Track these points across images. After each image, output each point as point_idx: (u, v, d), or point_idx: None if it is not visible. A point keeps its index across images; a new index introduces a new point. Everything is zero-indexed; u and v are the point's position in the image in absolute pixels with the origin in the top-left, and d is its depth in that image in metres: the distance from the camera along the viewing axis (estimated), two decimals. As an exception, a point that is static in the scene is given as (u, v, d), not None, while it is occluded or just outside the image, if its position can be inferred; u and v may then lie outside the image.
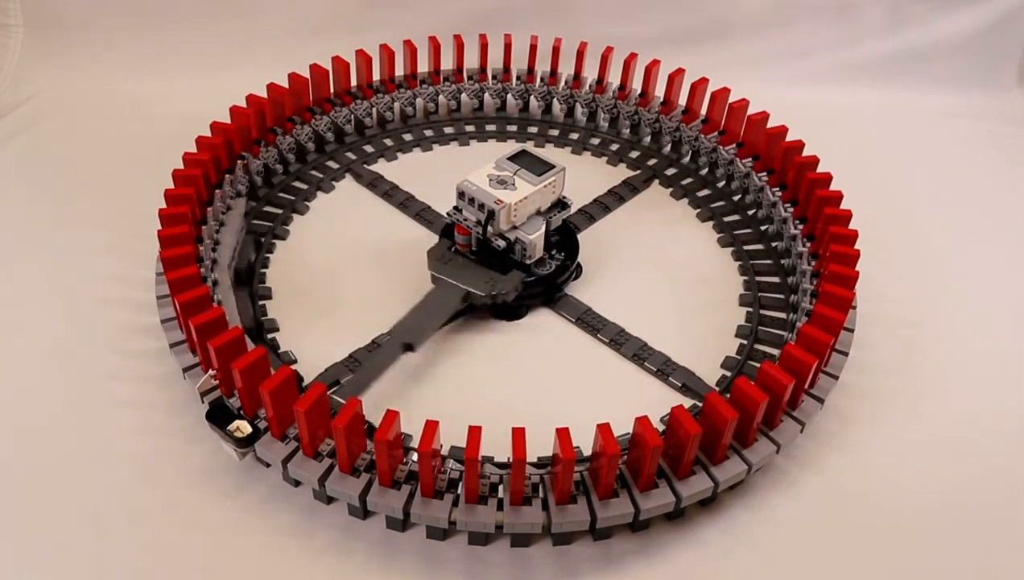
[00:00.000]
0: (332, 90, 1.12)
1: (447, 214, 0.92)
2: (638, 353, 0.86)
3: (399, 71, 1.17)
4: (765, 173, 1.01)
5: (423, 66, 1.17)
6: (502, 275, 0.87)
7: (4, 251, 0.99)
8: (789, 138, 0.99)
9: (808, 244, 0.91)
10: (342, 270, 0.96)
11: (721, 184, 1.09)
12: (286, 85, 1.06)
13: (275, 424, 0.70)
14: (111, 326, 0.89)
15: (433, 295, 0.87)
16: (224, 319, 0.74)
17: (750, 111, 1.04)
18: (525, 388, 0.83)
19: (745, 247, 1.00)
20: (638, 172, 1.13)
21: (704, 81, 1.09)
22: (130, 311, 0.90)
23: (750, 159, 1.03)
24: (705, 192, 1.09)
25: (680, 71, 1.11)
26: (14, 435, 0.78)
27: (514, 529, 0.67)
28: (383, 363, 0.82)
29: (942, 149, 1.25)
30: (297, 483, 0.74)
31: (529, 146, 0.95)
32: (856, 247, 0.83)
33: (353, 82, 1.14)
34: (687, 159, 1.13)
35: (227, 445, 0.71)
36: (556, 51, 1.17)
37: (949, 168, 1.21)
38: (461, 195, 0.88)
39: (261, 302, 0.90)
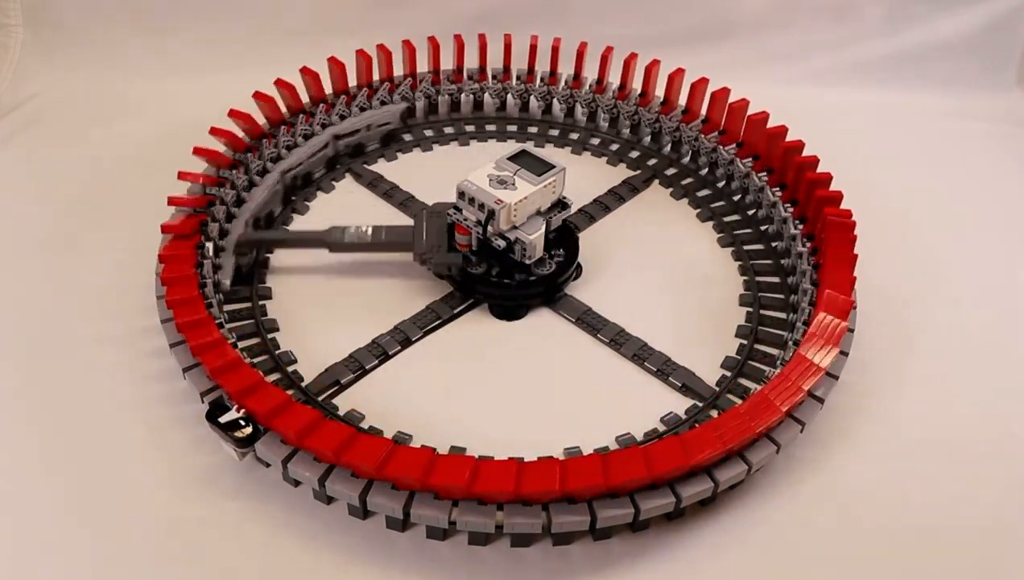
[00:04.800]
0: (332, 90, 1.12)
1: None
2: (638, 353, 0.86)
3: (397, 71, 1.16)
4: (765, 173, 1.01)
5: (422, 66, 1.17)
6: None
7: (2, 250, 0.99)
8: (789, 138, 0.99)
9: (808, 243, 0.91)
10: (342, 270, 0.96)
11: (721, 184, 1.09)
12: (285, 84, 1.06)
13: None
14: (111, 326, 0.89)
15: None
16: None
17: (750, 111, 1.04)
18: (525, 388, 0.83)
19: (745, 247, 1.00)
20: (638, 172, 1.12)
21: (704, 81, 1.09)
22: (130, 311, 0.90)
23: (750, 159, 1.03)
24: (705, 192, 1.09)
25: (680, 71, 1.11)
26: (13, 435, 0.78)
27: (514, 529, 0.67)
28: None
29: (942, 149, 1.25)
30: (297, 483, 0.74)
31: (529, 146, 0.95)
32: (856, 251, 0.83)
33: (352, 82, 1.14)
34: (687, 159, 1.13)
35: (227, 445, 0.71)
36: (556, 51, 1.17)
37: (949, 168, 1.21)
38: (461, 195, 0.88)
39: (261, 302, 0.90)
